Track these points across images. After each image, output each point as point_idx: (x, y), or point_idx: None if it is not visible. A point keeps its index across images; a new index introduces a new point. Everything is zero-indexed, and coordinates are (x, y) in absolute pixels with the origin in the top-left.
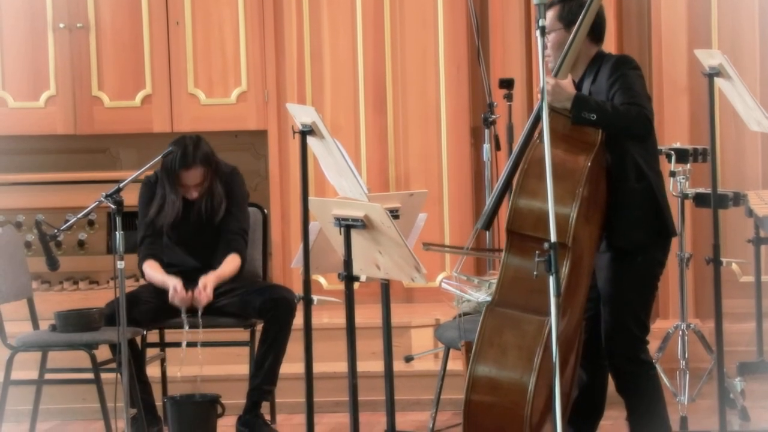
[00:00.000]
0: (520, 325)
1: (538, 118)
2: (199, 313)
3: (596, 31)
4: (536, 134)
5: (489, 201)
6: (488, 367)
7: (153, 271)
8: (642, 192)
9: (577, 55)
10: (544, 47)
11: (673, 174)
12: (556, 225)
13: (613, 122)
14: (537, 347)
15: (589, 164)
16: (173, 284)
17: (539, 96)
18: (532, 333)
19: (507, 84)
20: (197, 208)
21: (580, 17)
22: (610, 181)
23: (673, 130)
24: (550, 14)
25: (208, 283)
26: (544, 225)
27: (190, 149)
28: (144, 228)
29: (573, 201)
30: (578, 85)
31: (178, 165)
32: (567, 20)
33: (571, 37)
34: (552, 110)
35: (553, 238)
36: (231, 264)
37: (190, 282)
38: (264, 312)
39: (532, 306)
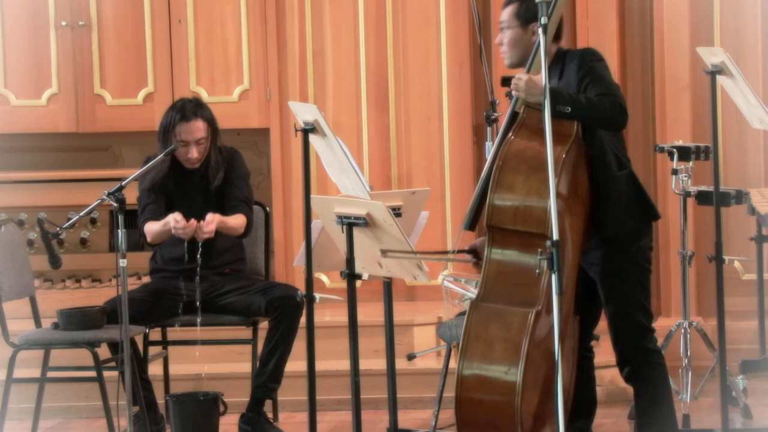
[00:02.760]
0: (505, 318)
1: (513, 116)
2: (198, 306)
3: (555, 29)
4: (510, 131)
5: (471, 202)
6: (476, 363)
7: (151, 225)
8: (625, 179)
9: (530, 51)
10: (541, 45)
11: (675, 172)
12: (534, 217)
13: (588, 114)
14: (522, 339)
15: (564, 155)
16: (173, 217)
17: (511, 94)
18: (517, 325)
19: (509, 81)
20: (195, 177)
21: (548, 13)
22: (593, 172)
23: (675, 127)
24: (508, 11)
25: (214, 219)
26: (523, 218)
27: (189, 104)
28: (145, 197)
29: (548, 192)
30: None
31: (177, 119)
32: (524, 18)
33: (538, 35)
34: (527, 105)
35: (555, 236)
36: (237, 219)
37: (190, 257)
38: (271, 310)
39: (516, 299)
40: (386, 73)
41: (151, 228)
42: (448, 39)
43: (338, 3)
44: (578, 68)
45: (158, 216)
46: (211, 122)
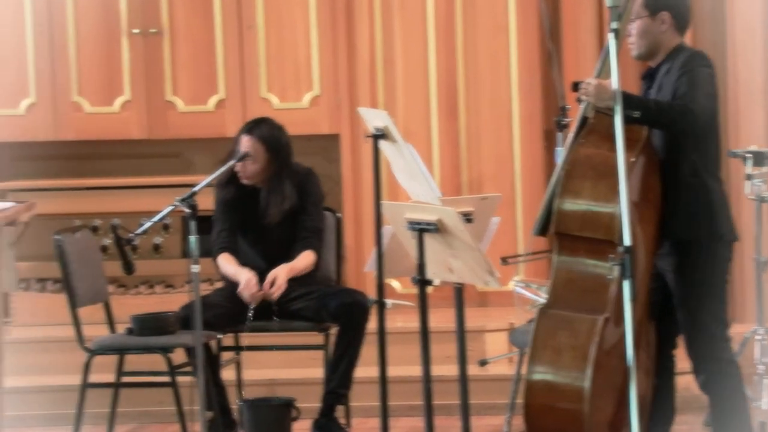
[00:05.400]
0: (573, 325)
1: (583, 121)
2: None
3: (680, 21)
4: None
5: (541, 207)
6: (544, 369)
7: (226, 264)
8: (697, 187)
9: (658, 41)
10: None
11: (749, 177)
12: (601, 223)
13: (657, 118)
14: (590, 346)
15: (632, 160)
16: (246, 277)
17: (581, 99)
18: (585, 332)
19: (580, 87)
20: (268, 204)
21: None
22: (664, 177)
23: (749, 132)
24: (638, 1)
25: (278, 275)
26: (590, 224)
27: (259, 122)
28: (220, 222)
29: (617, 198)
30: (653, 72)
31: (241, 129)
32: (653, 7)
33: (667, 23)
34: (597, 110)
35: (627, 242)
36: (305, 259)
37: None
38: (339, 316)
39: (585, 306)
40: (456, 78)
41: (225, 268)
42: (519, 44)
43: (408, 9)
44: (680, 67)
45: (233, 245)
46: (267, 142)
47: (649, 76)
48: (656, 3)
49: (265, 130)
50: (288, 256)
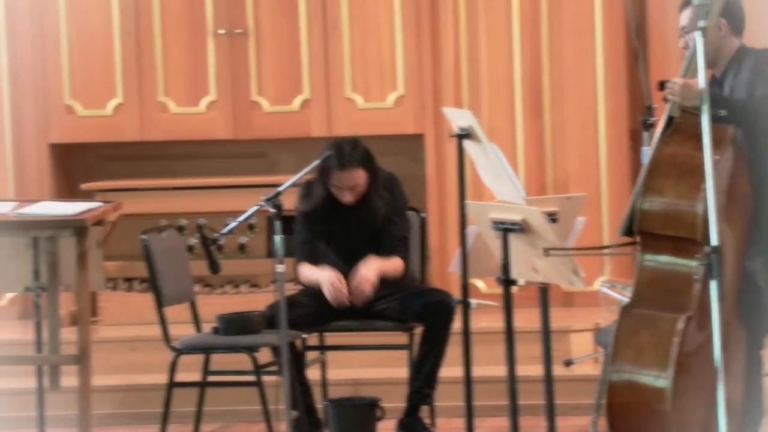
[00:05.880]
0: (656, 324)
1: (668, 120)
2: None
3: (736, 23)
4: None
5: (627, 207)
6: (625, 369)
7: (307, 270)
8: None
9: (718, 48)
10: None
11: None
12: (684, 222)
13: (744, 116)
14: (672, 345)
15: (716, 158)
16: (329, 280)
17: (667, 98)
18: (667, 331)
19: (666, 86)
20: (356, 214)
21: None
22: (755, 178)
23: None
24: (688, 13)
25: (370, 274)
26: (673, 223)
27: (347, 150)
28: (302, 232)
29: (699, 195)
30: (719, 81)
31: (334, 166)
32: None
33: (725, 29)
34: (682, 110)
35: (714, 242)
36: (394, 263)
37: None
38: (424, 316)
39: (668, 305)
40: (540, 77)
41: (306, 274)
42: (604, 42)
43: (493, 8)
44: (752, 68)
45: (315, 257)
46: (368, 164)
47: (716, 84)
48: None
49: (355, 154)
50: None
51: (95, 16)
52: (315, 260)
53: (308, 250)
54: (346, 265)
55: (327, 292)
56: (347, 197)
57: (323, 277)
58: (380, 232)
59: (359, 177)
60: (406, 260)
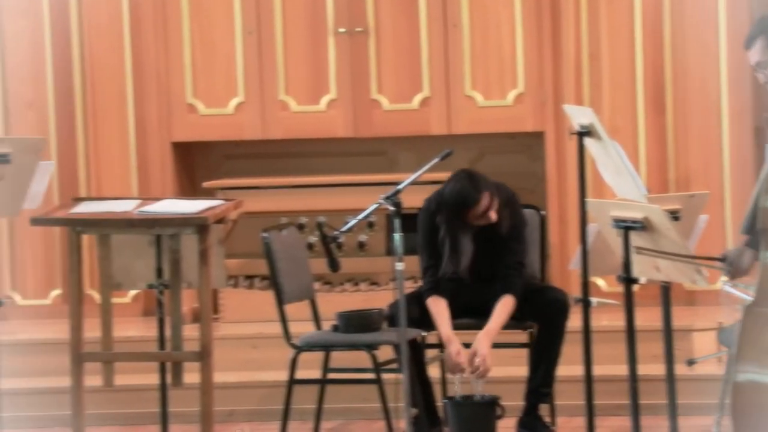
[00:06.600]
0: None
1: None
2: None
3: None
4: None
5: (749, 205)
6: (750, 368)
7: (436, 314)
8: None
9: None
10: None
11: None
12: None
13: None
14: None
15: None
16: (448, 353)
17: None
18: None
19: None
20: (486, 237)
21: None
22: None
23: None
24: (759, 47)
25: (484, 351)
26: None
27: (467, 186)
28: (427, 258)
29: None
30: None
31: (464, 207)
32: (750, 41)
33: None
34: None
35: None
36: (505, 309)
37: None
38: (539, 314)
39: None
40: (663, 73)
41: (434, 317)
42: (728, 39)
43: (615, 5)
44: None
45: (443, 285)
46: (489, 187)
47: None
48: (751, 35)
49: (482, 182)
50: (491, 270)
51: (218, 15)
52: (443, 292)
53: (434, 277)
54: (470, 276)
55: (446, 363)
56: (493, 219)
57: (446, 343)
58: (500, 252)
59: (488, 198)
60: (519, 293)
